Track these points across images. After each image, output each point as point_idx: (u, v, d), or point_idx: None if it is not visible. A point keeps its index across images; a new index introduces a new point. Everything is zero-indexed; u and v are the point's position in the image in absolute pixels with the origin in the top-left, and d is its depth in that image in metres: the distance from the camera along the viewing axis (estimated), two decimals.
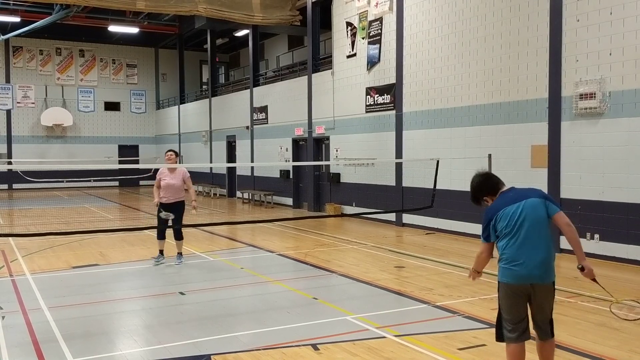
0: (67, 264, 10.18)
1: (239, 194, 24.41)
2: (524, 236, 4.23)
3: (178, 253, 10.22)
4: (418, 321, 6.56)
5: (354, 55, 16.95)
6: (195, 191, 10.47)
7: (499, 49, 12.12)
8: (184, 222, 10.48)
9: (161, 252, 10.22)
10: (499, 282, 4.37)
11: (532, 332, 4.49)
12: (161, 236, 10.12)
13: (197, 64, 34.50)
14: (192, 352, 5.57)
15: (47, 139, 31.58)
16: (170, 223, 9.83)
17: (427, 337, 5.93)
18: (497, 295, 4.53)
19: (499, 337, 4.44)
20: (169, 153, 10.31)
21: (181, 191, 9.94)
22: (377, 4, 15.79)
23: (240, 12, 19.40)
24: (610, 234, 10.10)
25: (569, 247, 10.96)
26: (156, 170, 10.36)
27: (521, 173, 11.70)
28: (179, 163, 10.54)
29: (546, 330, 4.37)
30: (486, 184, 4.58)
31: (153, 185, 10.24)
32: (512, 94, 11.87)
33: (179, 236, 10.05)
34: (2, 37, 27.38)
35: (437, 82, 13.82)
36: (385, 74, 15.67)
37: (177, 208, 9.86)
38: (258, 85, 23.54)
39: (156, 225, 10.51)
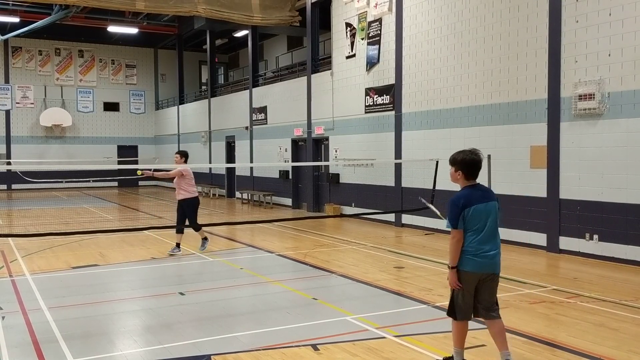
0: (67, 264, 10.18)
1: (238, 194, 24.41)
2: (487, 232, 4.85)
3: (202, 239, 11.34)
4: (418, 321, 6.57)
5: (353, 55, 16.96)
6: (162, 174, 11.53)
7: (498, 49, 12.14)
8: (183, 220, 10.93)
9: (177, 244, 11.10)
10: (460, 271, 4.82)
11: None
12: (179, 230, 11.10)
13: (197, 64, 34.52)
14: (192, 353, 5.57)
15: (46, 140, 31.57)
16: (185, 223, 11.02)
17: (426, 338, 5.94)
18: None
19: (452, 315, 4.95)
20: (175, 156, 11.44)
21: (181, 189, 10.90)
22: (376, 4, 15.81)
23: (240, 12, 19.41)
24: (609, 235, 10.12)
25: (568, 248, 11.01)
26: (155, 170, 11.31)
27: (520, 173, 11.72)
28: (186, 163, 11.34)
29: (496, 311, 4.95)
30: (476, 167, 4.99)
31: (152, 185, 10.58)
32: (512, 94, 11.89)
33: (197, 229, 11.27)
34: (1, 37, 27.36)
35: (437, 82, 13.84)
36: (384, 75, 15.68)
37: (186, 205, 10.94)
38: (257, 85, 23.55)
39: (155, 226, 11.05)
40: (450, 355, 5.06)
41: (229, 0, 19.02)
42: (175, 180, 11.02)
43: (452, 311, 4.94)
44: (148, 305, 7.43)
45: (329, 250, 11.72)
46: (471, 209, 4.79)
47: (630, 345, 5.72)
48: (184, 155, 11.36)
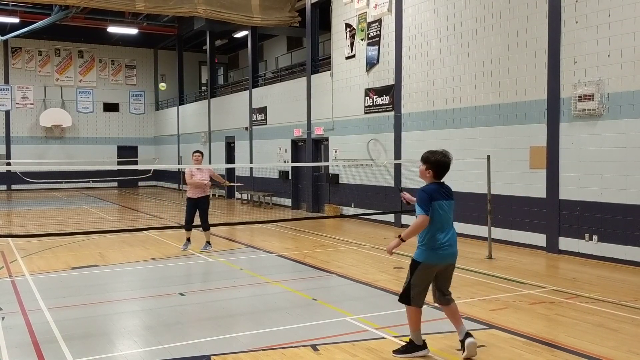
0: (67, 264, 10.19)
1: (237, 194, 24.41)
2: (448, 227, 5.31)
3: (206, 242, 11.51)
4: None
5: (353, 56, 16.97)
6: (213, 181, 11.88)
7: (498, 50, 12.15)
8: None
9: (188, 239, 11.42)
10: (420, 262, 5.29)
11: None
12: (188, 227, 11.36)
13: (196, 65, 34.53)
14: (191, 353, 5.58)
15: (46, 140, 31.57)
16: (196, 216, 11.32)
17: (426, 338, 5.94)
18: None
19: (406, 301, 5.38)
20: (197, 154, 11.60)
21: (205, 188, 11.33)
22: (376, 5, 15.82)
23: (240, 13, 19.41)
24: (608, 235, 10.13)
25: (567, 248, 11.01)
26: (154, 171, 11.36)
27: (520, 174, 11.73)
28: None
29: (450, 294, 5.47)
30: (446, 169, 5.40)
31: (152, 186, 10.61)
32: (511, 95, 11.89)
33: (206, 227, 11.42)
34: (1, 38, 27.35)
35: (436, 83, 13.85)
36: (384, 75, 15.69)
37: (203, 202, 11.28)
38: (257, 86, 23.56)
39: (155, 226, 11.08)
40: (409, 340, 5.45)
41: (229, 0, 19.03)
42: (205, 177, 11.35)
43: (407, 298, 5.36)
44: (148, 306, 7.43)
45: (329, 250, 11.72)
46: (436, 203, 5.22)
47: (629, 345, 5.73)
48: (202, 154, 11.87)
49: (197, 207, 11.26)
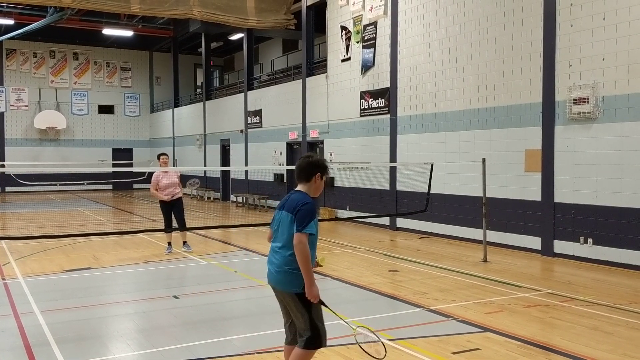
0: (60, 267, 10.13)
1: (232, 197, 24.37)
2: (274, 239, 4.70)
3: (184, 242, 11.65)
4: (412, 325, 6.56)
5: (349, 59, 16.98)
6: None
7: (493, 53, 12.17)
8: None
9: (169, 243, 11.52)
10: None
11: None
12: (168, 230, 11.34)
13: (192, 67, 34.48)
14: (185, 356, 5.54)
15: (40, 142, 31.46)
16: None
17: (421, 341, 5.93)
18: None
19: (318, 344, 4.36)
20: (164, 157, 11.69)
21: (177, 188, 11.40)
22: (371, 8, 15.83)
23: (235, 15, 19.40)
24: (603, 238, 10.14)
25: (562, 251, 11.02)
26: (150, 173, 11.43)
27: (515, 177, 11.74)
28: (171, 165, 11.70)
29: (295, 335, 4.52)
30: (296, 171, 4.54)
31: (146, 189, 10.69)
32: (506, 98, 11.91)
33: (183, 228, 11.48)
34: None
35: (432, 86, 13.86)
36: (379, 78, 15.70)
37: (178, 204, 11.35)
38: (252, 89, 23.54)
39: (149, 228, 11.12)
40: None
41: (224, 3, 19.00)
42: (171, 181, 11.42)
43: (318, 340, 4.32)
44: (141, 309, 7.39)
45: (324, 253, 11.69)
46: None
47: (624, 348, 5.72)
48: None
49: (172, 209, 11.32)
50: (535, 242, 11.33)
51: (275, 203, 20.91)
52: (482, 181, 10.76)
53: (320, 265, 5.04)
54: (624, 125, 9.76)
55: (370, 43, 15.99)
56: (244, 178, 23.63)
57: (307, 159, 4.49)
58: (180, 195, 11.49)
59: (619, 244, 9.87)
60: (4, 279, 9.08)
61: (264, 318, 6.89)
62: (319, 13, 19.17)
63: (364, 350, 4.41)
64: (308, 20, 19.28)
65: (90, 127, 32.91)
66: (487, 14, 12.32)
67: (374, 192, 15.98)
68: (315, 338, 4.28)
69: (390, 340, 5.95)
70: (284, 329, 4.55)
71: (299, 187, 4.47)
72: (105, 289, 8.70)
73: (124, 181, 29.96)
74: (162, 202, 11.30)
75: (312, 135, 18.77)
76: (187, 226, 11.94)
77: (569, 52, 10.61)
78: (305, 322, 4.28)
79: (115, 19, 26.72)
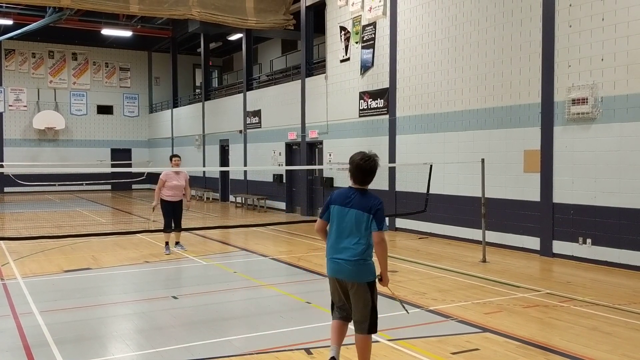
0: (59, 267, 10.12)
1: (232, 198, 24.36)
2: (339, 236, 4.87)
3: (177, 242, 11.82)
4: (411, 325, 6.55)
5: (348, 59, 16.98)
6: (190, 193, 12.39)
7: (492, 54, 12.18)
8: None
9: (167, 243, 11.57)
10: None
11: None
12: (169, 230, 11.46)
13: (191, 67, 34.47)
14: (184, 357, 5.54)
15: (39, 142, 31.43)
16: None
17: (420, 342, 5.93)
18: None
19: (376, 329, 4.84)
20: (176, 158, 11.93)
21: (182, 191, 11.64)
22: (370, 8, 15.83)
23: (234, 16, 19.39)
24: (602, 239, 10.14)
25: (561, 252, 11.02)
26: (150, 173, 11.46)
27: (514, 178, 11.75)
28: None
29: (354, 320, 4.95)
30: (363, 172, 4.85)
31: (146, 189, 10.67)
32: (505, 98, 11.92)
33: (179, 229, 11.74)
34: None
35: (431, 86, 13.86)
36: (378, 79, 15.70)
37: (180, 205, 11.59)
38: (251, 89, 23.54)
39: (148, 229, 11.14)
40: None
41: (223, 3, 18.99)
42: (181, 182, 11.61)
43: (376, 325, 4.83)
44: (141, 309, 7.39)
45: (323, 254, 11.64)
46: (332, 207, 4.91)
47: (623, 349, 5.73)
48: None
49: (175, 210, 11.43)
50: (534, 242, 11.33)
51: (275, 203, 20.94)
52: (481, 181, 10.77)
53: None
54: (622, 125, 9.77)
55: (369, 43, 15.99)
56: (243, 178, 23.62)
57: (375, 161, 4.80)
58: (181, 197, 11.62)
59: (618, 244, 9.88)
60: (3, 280, 9.07)
61: (263, 318, 6.89)
62: (318, 13, 19.17)
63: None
64: (307, 21, 19.29)
65: (89, 128, 32.89)
66: (486, 14, 12.33)
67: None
68: (375, 323, 4.79)
69: (389, 340, 5.96)
70: (331, 310, 5.17)
71: (361, 186, 4.83)
72: (104, 289, 8.69)
73: (122, 181, 29.94)
74: (166, 203, 11.36)
75: (311, 135, 18.77)
76: (186, 227, 11.99)
77: (568, 53, 10.62)
78: (370, 309, 4.75)
79: (114, 19, 26.72)
